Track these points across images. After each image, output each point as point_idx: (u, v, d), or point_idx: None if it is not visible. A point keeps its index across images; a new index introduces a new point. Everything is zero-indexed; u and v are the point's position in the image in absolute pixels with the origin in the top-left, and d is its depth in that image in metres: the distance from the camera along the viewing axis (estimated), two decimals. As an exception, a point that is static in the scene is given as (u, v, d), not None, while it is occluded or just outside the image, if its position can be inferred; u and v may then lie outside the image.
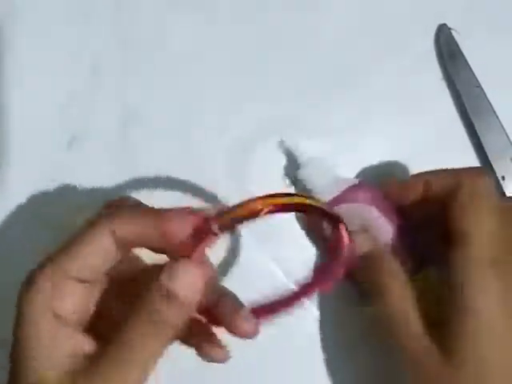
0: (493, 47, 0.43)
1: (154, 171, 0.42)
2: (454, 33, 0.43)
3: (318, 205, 0.29)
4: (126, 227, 0.27)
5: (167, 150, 0.42)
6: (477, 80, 0.42)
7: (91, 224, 0.28)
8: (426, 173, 0.35)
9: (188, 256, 0.27)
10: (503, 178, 0.41)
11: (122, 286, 0.31)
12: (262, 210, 0.26)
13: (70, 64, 0.43)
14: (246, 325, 0.29)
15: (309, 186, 0.39)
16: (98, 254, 0.27)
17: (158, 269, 0.26)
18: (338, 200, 0.37)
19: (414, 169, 0.42)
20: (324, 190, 0.38)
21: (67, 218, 0.41)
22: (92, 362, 0.26)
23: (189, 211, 0.27)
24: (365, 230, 0.37)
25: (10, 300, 0.40)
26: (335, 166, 0.40)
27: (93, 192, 0.41)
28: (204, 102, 0.43)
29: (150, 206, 0.31)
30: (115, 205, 0.32)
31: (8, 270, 0.41)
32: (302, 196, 0.29)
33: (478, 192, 0.32)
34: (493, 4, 0.44)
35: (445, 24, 0.43)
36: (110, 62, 0.43)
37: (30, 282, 0.27)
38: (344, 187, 0.38)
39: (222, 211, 0.27)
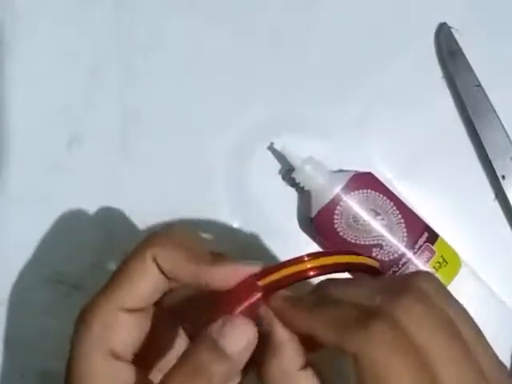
0: (493, 46, 0.43)
1: (153, 171, 0.42)
2: (454, 32, 0.42)
3: (376, 265, 0.28)
4: (169, 267, 0.27)
5: (167, 150, 0.42)
6: (477, 79, 0.42)
7: (137, 253, 0.27)
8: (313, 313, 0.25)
9: (229, 309, 0.26)
10: (503, 177, 0.41)
11: (172, 316, 0.30)
12: (310, 269, 0.25)
13: (70, 64, 0.43)
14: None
15: (306, 187, 0.39)
16: (146, 283, 0.27)
17: (206, 302, 0.27)
18: (349, 187, 0.38)
19: (414, 168, 0.42)
20: (321, 190, 0.38)
21: (67, 217, 0.41)
22: None
23: (234, 265, 0.27)
24: (377, 213, 0.38)
25: (11, 299, 0.40)
26: (333, 165, 0.41)
27: (92, 192, 0.42)
28: (204, 102, 0.43)
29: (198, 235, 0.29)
30: (163, 235, 0.29)
31: (8, 269, 0.41)
32: (353, 254, 0.27)
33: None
34: (493, 3, 0.44)
35: (445, 23, 0.43)
36: (110, 62, 0.43)
37: (82, 320, 0.27)
38: (348, 177, 0.38)
39: (269, 270, 0.26)
